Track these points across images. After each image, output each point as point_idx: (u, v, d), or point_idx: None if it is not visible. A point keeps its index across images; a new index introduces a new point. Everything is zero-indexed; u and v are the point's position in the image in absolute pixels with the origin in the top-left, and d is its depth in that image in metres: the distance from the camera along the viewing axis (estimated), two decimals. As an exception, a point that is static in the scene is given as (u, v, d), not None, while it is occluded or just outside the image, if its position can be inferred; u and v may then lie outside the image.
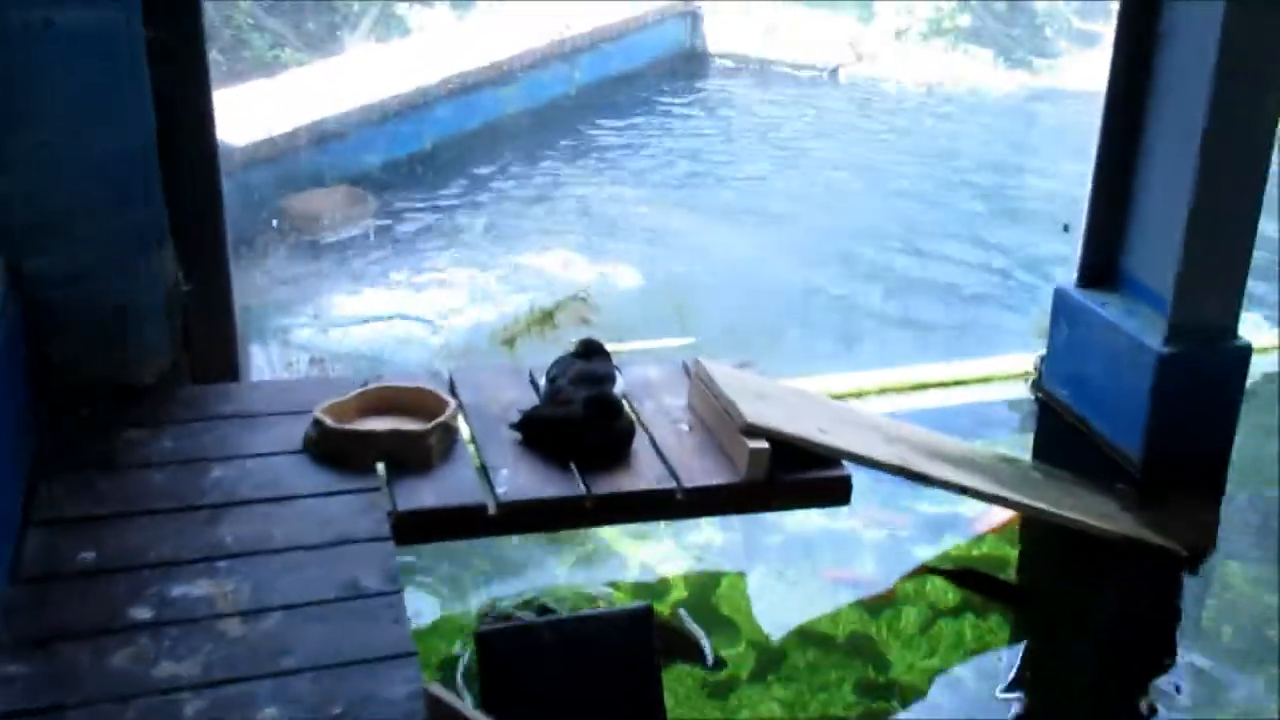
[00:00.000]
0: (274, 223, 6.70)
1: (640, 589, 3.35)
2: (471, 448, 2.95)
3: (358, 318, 5.71)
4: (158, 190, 2.94)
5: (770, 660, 3.14)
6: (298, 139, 7.46)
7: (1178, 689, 3.10)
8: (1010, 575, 3.55)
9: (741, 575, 3.46)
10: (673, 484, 2.85)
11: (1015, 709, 3.05)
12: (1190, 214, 3.66)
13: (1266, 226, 3.83)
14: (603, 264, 6.45)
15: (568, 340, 3.43)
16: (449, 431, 2.90)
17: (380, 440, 2.80)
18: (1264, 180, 3.69)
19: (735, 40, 10.82)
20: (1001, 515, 3.66)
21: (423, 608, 3.22)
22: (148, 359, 3.02)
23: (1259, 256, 3.85)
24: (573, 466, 2.86)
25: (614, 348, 3.40)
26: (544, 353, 4.68)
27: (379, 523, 2.57)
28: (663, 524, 3.53)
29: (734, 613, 3.29)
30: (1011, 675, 3.14)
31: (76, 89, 2.76)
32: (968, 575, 3.48)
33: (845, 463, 2.99)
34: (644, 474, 2.87)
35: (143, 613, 2.26)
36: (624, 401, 3.06)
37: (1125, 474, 3.84)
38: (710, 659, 3.11)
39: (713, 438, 3.04)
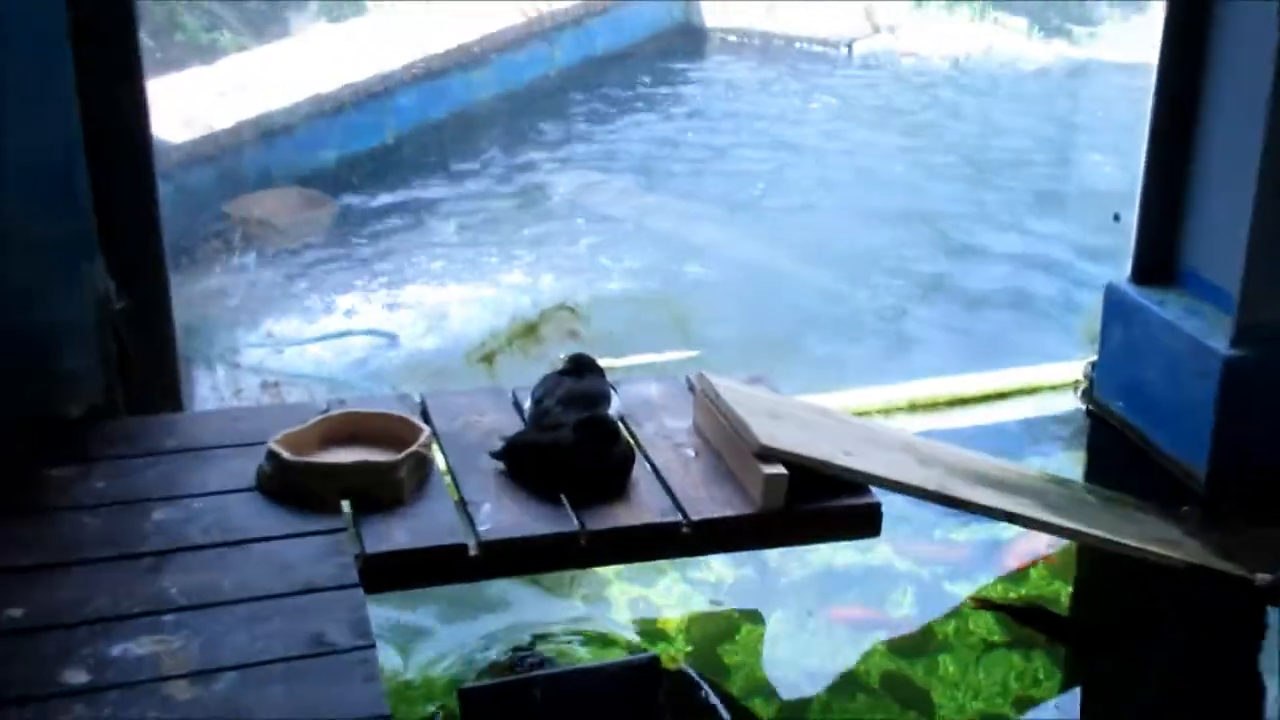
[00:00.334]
0: (217, 229, 6.69)
1: (638, 637, 3.34)
2: (448, 480, 2.95)
3: (315, 335, 5.70)
4: (85, 195, 2.93)
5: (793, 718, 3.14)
6: (241, 134, 7.45)
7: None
8: (1061, 612, 3.54)
9: (758, 619, 3.45)
10: (678, 517, 2.85)
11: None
12: (1256, 199, 3.67)
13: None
14: (593, 268, 6.45)
15: (555, 356, 3.43)
16: (422, 462, 2.90)
17: (344, 474, 2.79)
18: (1341, 160, 3.70)
19: (736, 13, 10.85)
20: (1041, 544, 3.66)
21: (389, 657, 3.21)
22: (76, 388, 3.02)
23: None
24: (564, 499, 2.86)
25: (607, 363, 3.40)
26: (528, 371, 4.67)
27: (345, 568, 2.56)
28: (665, 562, 3.52)
29: (749, 662, 3.29)
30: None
31: (-12, 80, 2.76)
32: (1032, 613, 3.48)
33: (874, 489, 2.99)
34: (645, 506, 2.87)
35: (78, 676, 2.24)
36: (620, 424, 3.05)
37: (1190, 494, 3.84)
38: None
39: (722, 463, 3.03)
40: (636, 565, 3.49)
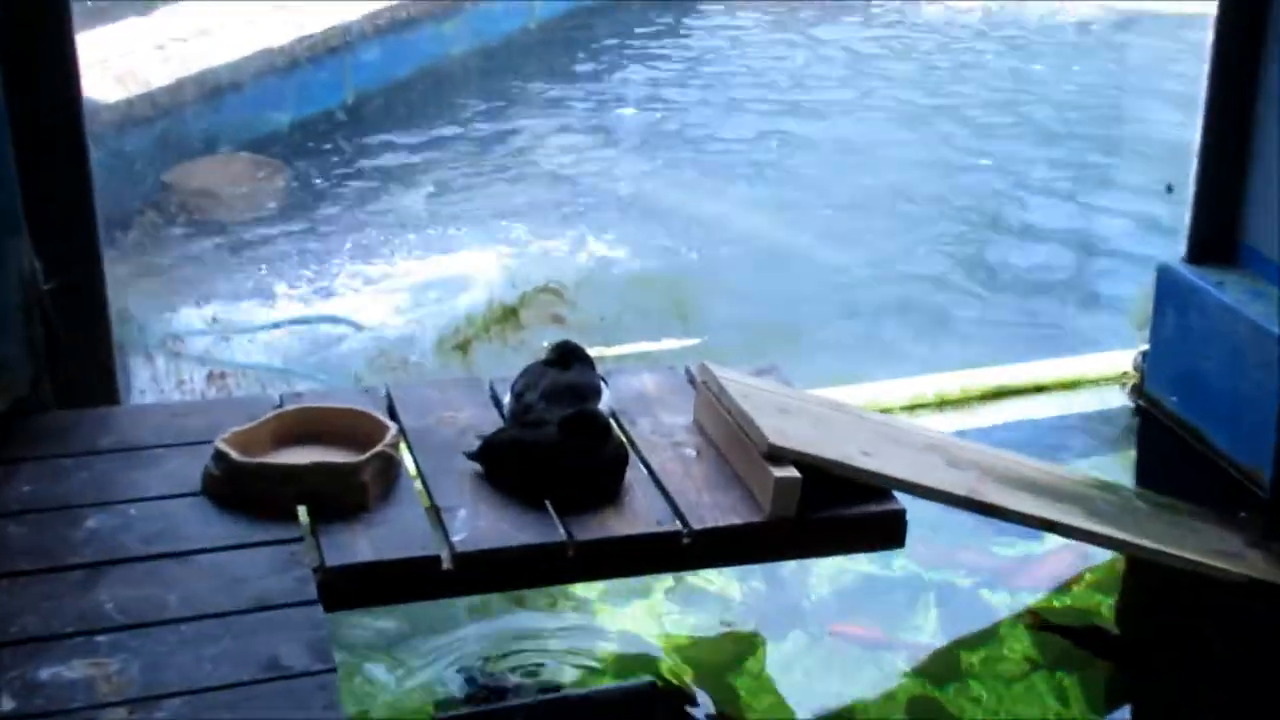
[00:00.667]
0: (156, 201, 6.69)
1: (631, 662, 3.35)
2: (418, 485, 2.95)
3: (268, 321, 5.70)
4: (8, 165, 2.93)
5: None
6: (183, 93, 7.45)
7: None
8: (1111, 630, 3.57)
9: (766, 640, 3.46)
10: (677, 525, 2.85)
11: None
12: (1327, 167, 3.68)
13: None
14: (580, 245, 6.46)
15: (537, 344, 3.44)
16: (388, 464, 2.90)
17: (301, 477, 2.80)
18: None
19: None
20: (1085, 556, 3.68)
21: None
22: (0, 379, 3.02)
23: None
24: (548, 506, 2.86)
25: (597, 352, 3.40)
26: (507, 360, 4.69)
27: (302, 582, 2.56)
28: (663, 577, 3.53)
29: (756, 690, 3.30)
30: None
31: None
32: (1091, 635, 3.49)
33: (897, 493, 3.00)
34: (640, 513, 2.87)
35: (2, 703, 2.24)
36: (612, 420, 3.05)
37: (1251, 499, 3.85)
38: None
39: (727, 465, 3.04)
40: (630, 580, 3.50)
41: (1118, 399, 4.43)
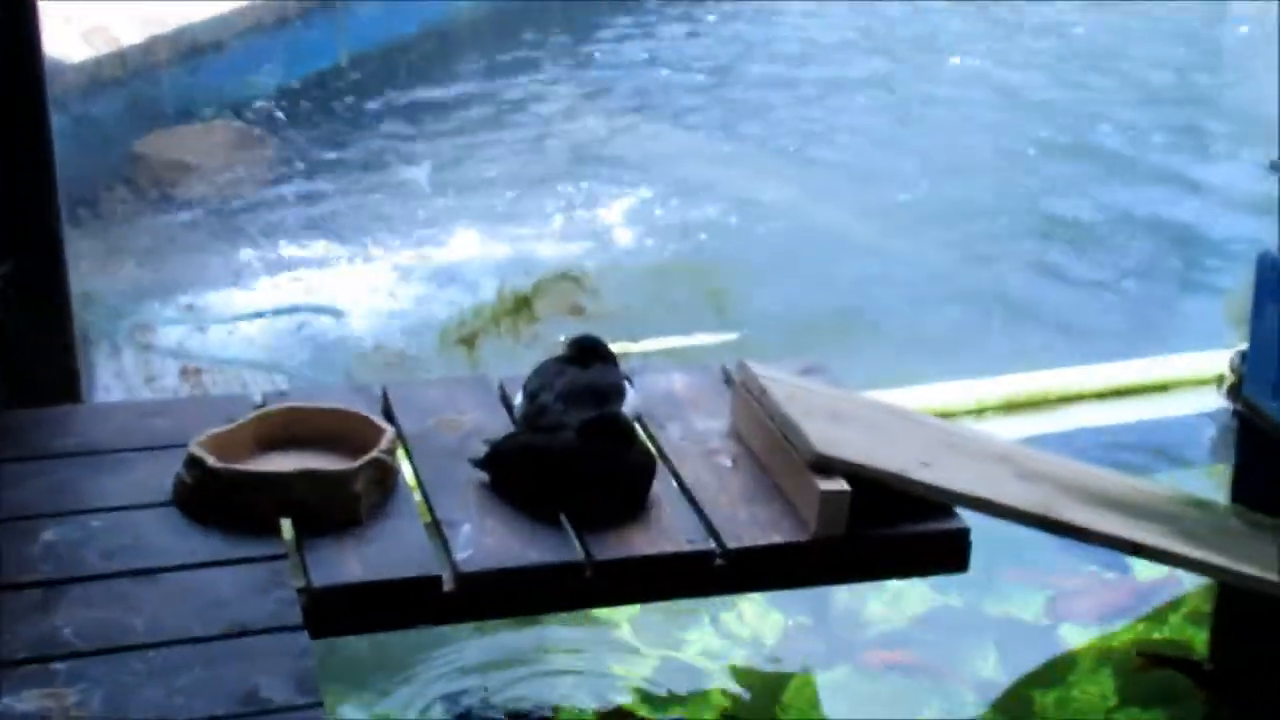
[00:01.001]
0: (126, 174, 6.71)
1: (658, 701, 3.35)
2: (417, 495, 2.95)
3: (250, 309, 5.72)
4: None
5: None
6: (157, 53, 7.47)
7: None
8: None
9: (810, 676, 3.45)
10: (710, 544, 2.84)
11: None
12: None
13: None
14: (603, 227, 6.45)
15: (553, 338, 3.44)
16: (384, 472, 2.90)
17: (286, 486, 2.80)
18: None
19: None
20: (1175, 581, 3.66)
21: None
22: (-52, 374, 3.03)
23: None
24: (564, 520, 2.86)
25: (621, 348, 3.41)
26: (519, 357, 4.69)
27: (286, 605, 2.56)
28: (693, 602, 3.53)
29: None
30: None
31: None
32: (1193, 669, 3.48)
33: (960, 509, 2.98)
34: (667, 530, 2.87)
35: (-53, 739, 2.26)
36: (637, 425, 3.05)
37: (1366, 520, 3.83)
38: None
39: (767, 477, 3.03)
40: (655, 606, 3.50)
41: (1213, 403, 4.41)
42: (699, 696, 3.36)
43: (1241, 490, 4.14)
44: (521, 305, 5.40)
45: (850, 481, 2.87)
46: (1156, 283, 6.20)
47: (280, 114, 7.60)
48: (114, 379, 4.79)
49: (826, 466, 2.89)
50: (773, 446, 3.03)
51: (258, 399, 3.23)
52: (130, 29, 7.45)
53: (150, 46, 7.46)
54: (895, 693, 3.42)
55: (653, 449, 3.07)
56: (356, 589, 2.67)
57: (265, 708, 2.32)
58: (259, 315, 5.67)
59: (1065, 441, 4.09)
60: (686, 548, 2.83)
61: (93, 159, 6.57)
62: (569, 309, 5.39)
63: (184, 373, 4.85)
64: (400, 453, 3.02)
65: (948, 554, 2.97)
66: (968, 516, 2.98)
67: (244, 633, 2.49)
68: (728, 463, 3.09)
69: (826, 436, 2.94)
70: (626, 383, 3.19)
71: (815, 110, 8.08)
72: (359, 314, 5.70)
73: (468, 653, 3.41)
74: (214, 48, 7.70)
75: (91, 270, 5.34)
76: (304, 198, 6.84)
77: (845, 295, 5.88)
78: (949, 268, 6.21)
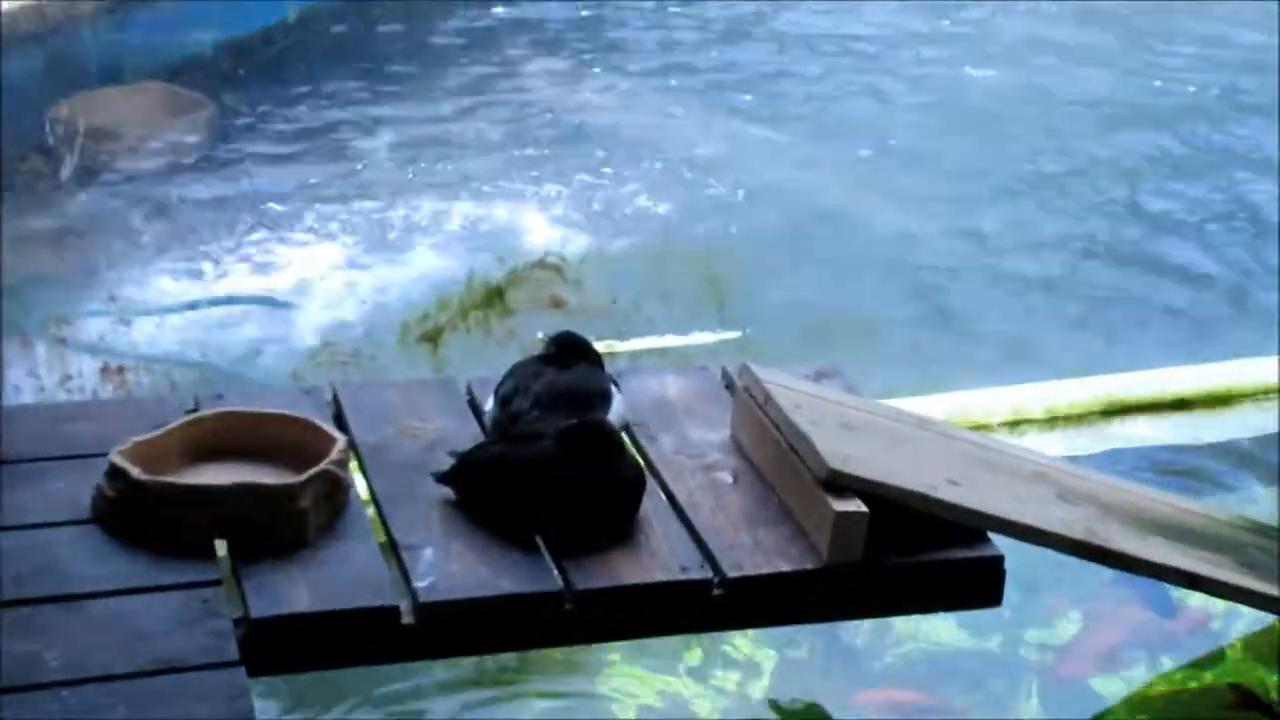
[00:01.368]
0: (42, 143, 6.71)
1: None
2: (372, 513, 2.95)
3: (182, 300, 5.72)
4: None
5: None
6: (80, 6, 7.47)
7: None
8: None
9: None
10: (707, 572, 2.84)
11: None
12: None
13: None
14: (589, 210, 6.46)
15: (529, 335, 3.44)
16: (334, 486, 2.89)
17: (221, 501, 2.79)
18: None
19: None
20: (1236, 616, 3.67)
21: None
22: None
23: None
24: (540, 543, 2.86)
25: (606, 347, 3.41)
26: (489, 355, 4.69)
27: (220, 638, 2.55)
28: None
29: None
30: None
31: None
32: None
33: (993, 534, 2.98)
34: (658, 555, 2.86)
35: None
36: (625, 435, 3.05)
37: None
38: None
39: (773, 495, 3.03)
40: (646, 642, 3.50)
41: (1276, 418, 4.42)
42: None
43: (1310, 515, 4.16)
44: (493, 297, 5.41)
45: (867, 501, 2.87)
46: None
47: (220, 75, 7.61)
48: (25, 378, 4.79)
49: (840, 484, 2.88)
50: (779, 461, 3.03)
51: (190, 402, 3.22)
52: (48, -23, 7.47)
53: (72, -2, 7.48)
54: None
55: (642, 462, 3.07)
56: (301, 620, 2.65)
57: (197, 755, 2.33)
58: (192, 307, 5.68)
59: (1111, 459, 4.10)
60: (680, 576, 2.82)
61: (8, 126, 6.57)
62: (548, 301, 5.40)
63: (105, 371, 4.85)
64: (353, 465, 3.01)
65: (978, 585, 2.97)
66: (1000, 542, 2.98)
67: (172, 669, 2.48)
68: (727, 479, 3.09)
69: (840, 450, 2.94)
70: (613, 386, 3.19)
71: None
72: (307, 305, 5.71)
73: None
74: (143, 1, 7.70)
75: (1, 253, 5.35)
76: (245, 171, 6.84)
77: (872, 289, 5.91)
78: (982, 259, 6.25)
